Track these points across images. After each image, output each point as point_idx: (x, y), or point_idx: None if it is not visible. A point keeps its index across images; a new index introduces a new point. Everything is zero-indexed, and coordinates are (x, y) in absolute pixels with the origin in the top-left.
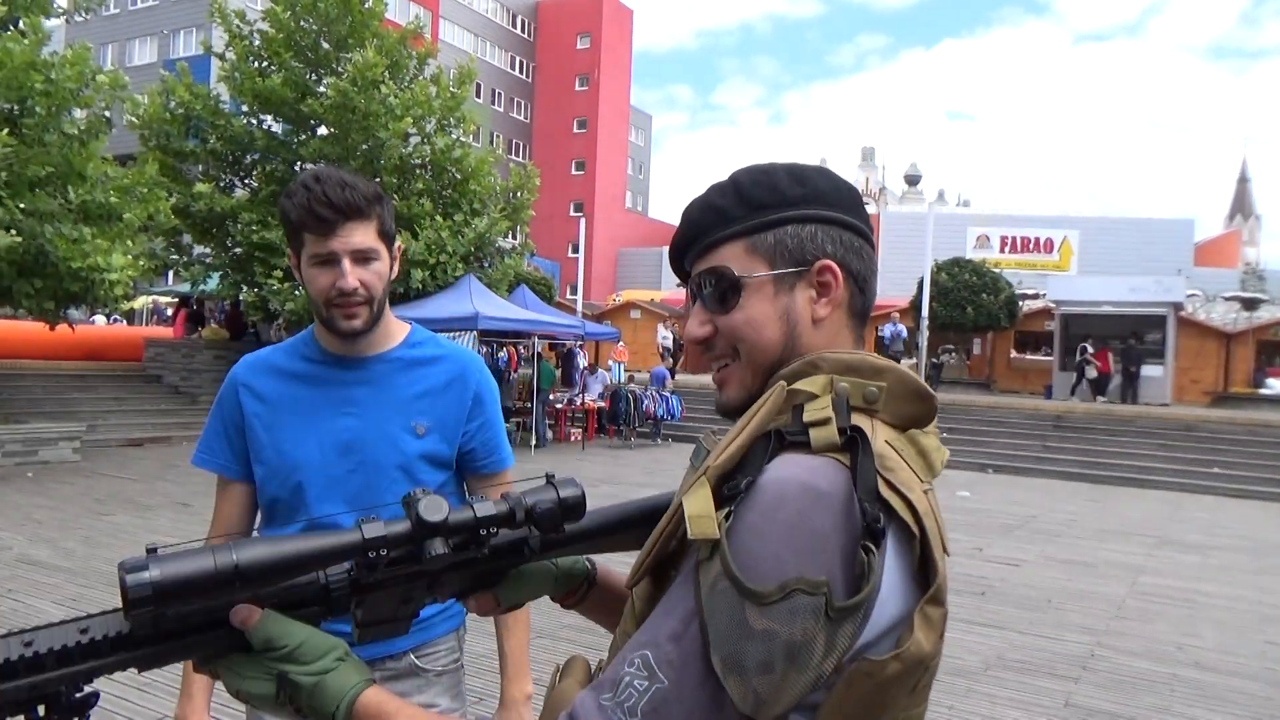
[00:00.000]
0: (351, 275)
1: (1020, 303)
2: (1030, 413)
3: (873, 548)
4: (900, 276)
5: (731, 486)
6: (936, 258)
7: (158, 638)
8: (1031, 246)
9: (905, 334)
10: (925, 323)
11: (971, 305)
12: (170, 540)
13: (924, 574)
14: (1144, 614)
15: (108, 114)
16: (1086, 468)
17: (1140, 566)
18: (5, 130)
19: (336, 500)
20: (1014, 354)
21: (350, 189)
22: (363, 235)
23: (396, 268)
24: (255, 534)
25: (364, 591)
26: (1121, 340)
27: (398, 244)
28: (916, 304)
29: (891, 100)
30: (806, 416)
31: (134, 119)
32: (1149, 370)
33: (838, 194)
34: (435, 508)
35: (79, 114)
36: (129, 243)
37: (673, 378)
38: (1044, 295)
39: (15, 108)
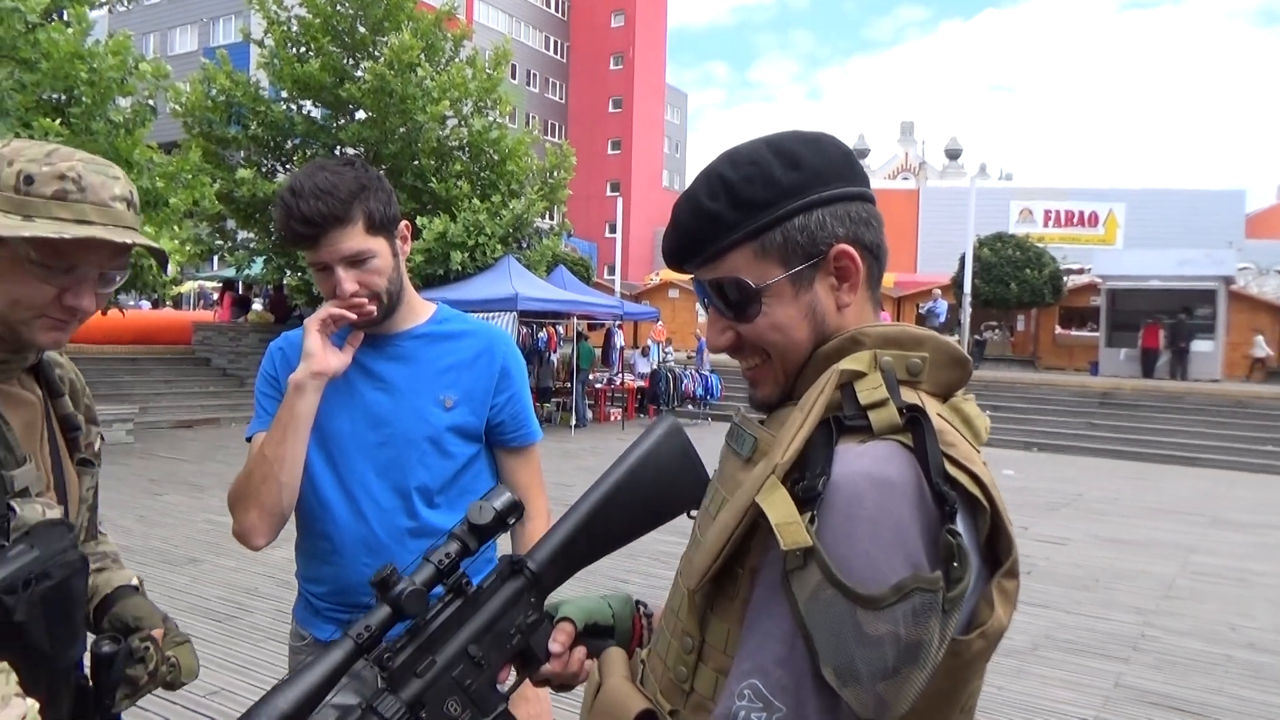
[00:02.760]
0: (347, 280)
1: (1065, 278)
2: (1076, 390)
3: (958, 531)
4: (941, 252)
5: (806, 488)
6: (979, 233)
7: None
8: (1076, 220)
9: (946, 310)
10: (968, 299)
11: (1015, 281)
12: (219, 518)
13: (992, 546)
14: (1195, 594)
15: (151, 102)
16: (1134, 445)
17: (1190, 545)
18: (57, 120)
19: (368, 471)
20: (1059, 330)
21: (326, 197)
22: (348, 240)
23: (407, 246)
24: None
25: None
26: (1170, 315)
27: (403, 225)
28: (958, 280)
29: (931, 73)
30: (862, 398)
31: (177, 107)
32: (1199, 346)
33: (832, 166)
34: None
35: (124, 102)
36: (175, 228)
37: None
38: (1089, 270)
39: (62, 96)
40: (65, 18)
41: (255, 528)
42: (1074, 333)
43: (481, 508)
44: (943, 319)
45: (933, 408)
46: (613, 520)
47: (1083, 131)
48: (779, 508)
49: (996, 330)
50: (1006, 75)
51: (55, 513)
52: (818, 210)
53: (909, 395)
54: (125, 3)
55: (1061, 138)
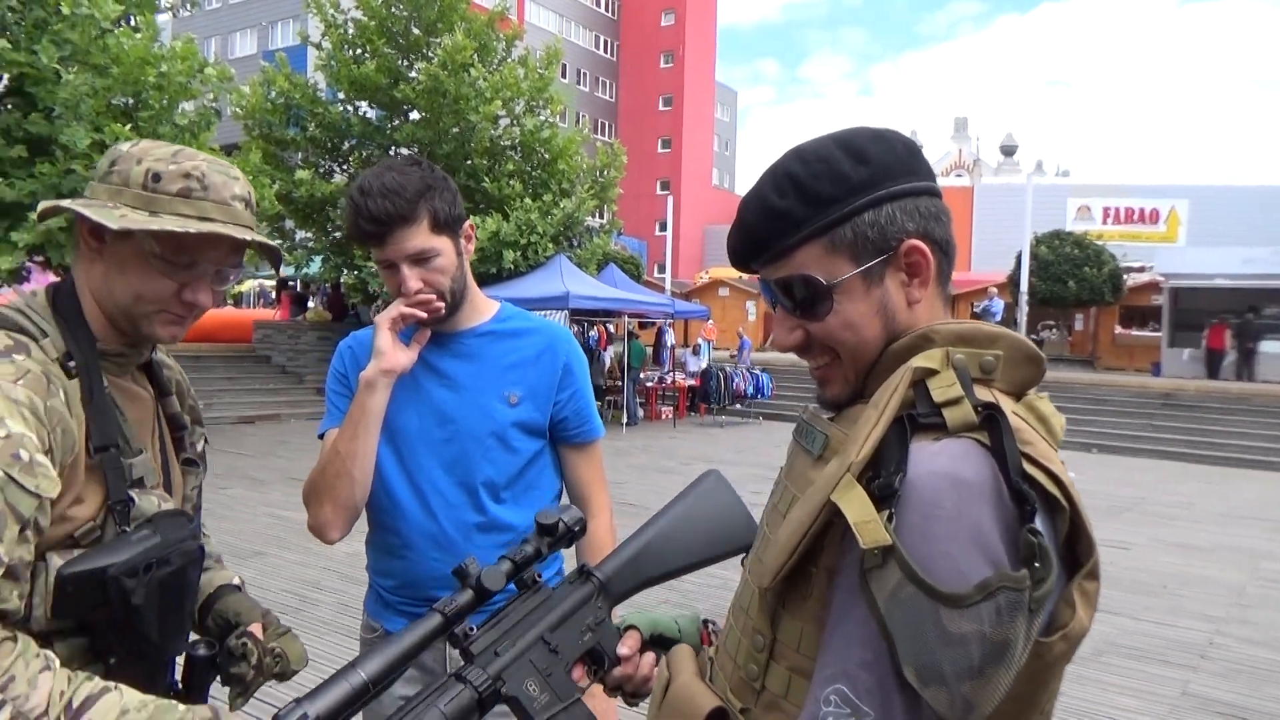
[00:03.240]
0: (412, 279)
1: (1125, 276)
2: (1137, 390)
3: (1039, 530)
4: (997, 250)
5: (882, 485)
6: (1036, 230)
7: None
8: (1136, 217)
9: (1002, 309)
10: (1024, 298)
11: (1073, 279)
12: (282, 512)
13: (1071, 548)
14: (1266, 601)
15: (216, 106)
16: (1198, 448)
17: (1262, 551)
18: (126, 124)
19: (436, 467)
20: (1119, 329)
21: (392, 196)
22: (413, 238)
23: (471, 245)
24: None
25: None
26: (1236, 314)
27: (467, 224)
28: (1014, 278)
29: (985, 69)
30: (936, 396)
31: (238, 109)
32: (1267, 346)
33: (900, 161)
34: (492, 574)
35: (188, 106)
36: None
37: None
38: (1151, 268)
39: (131, 101)
40: (133, 23)
41: (330, 522)
42: (1134, 332)
43: (553, 518)
44: (998, 318)
45: (1008, 406)
46: (675, 544)
47: (1143, 127)
48: (856, 506)
49: (1054, 329)
50: (1064, 70)
51: (170, 505)
52: (887, 205)
53: (983, 393)
54: (187, 7)
55: (1121, 134)
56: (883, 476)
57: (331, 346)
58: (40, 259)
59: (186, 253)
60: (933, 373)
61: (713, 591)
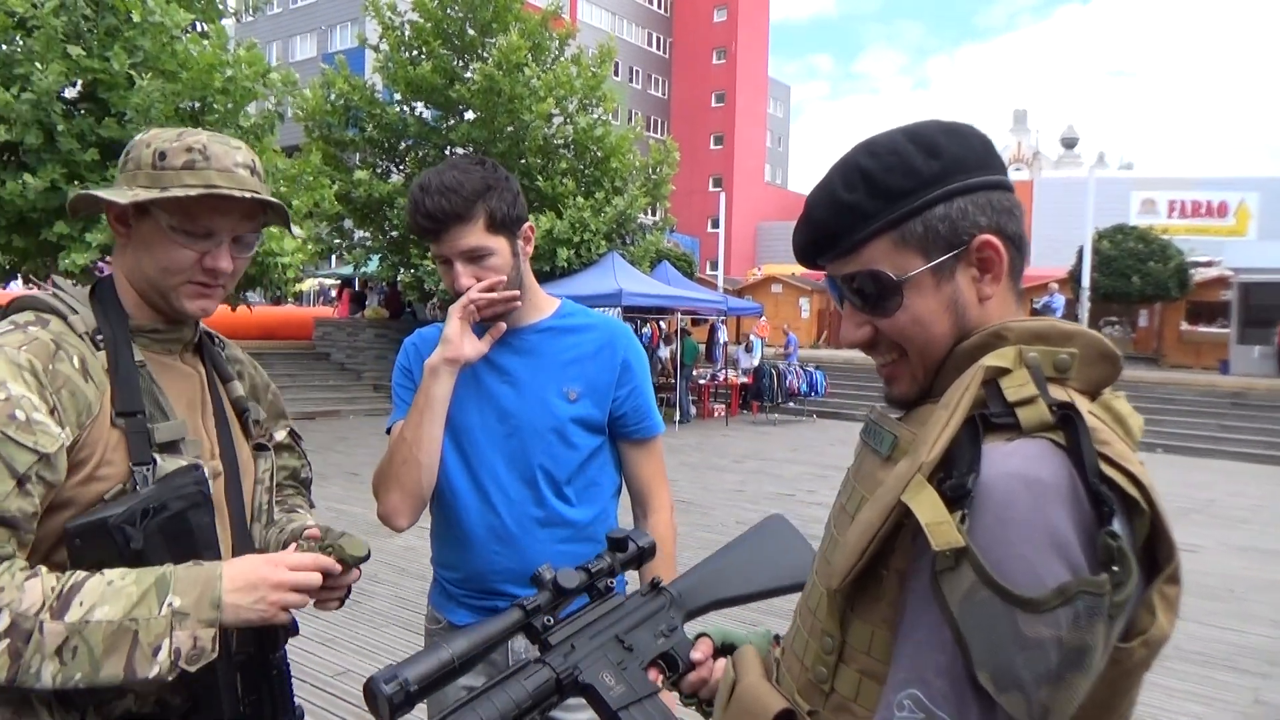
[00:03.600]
0: (465, 275)
1: (1192, 271)
2: (1204, 389)
3: (1118, 533)
4: (1057, 245)
5: (954, 486)
6: (1098, 225)
7: None
8: (1204, 210)
9: (1063, 306)
10: (1086, 293)
11: (1137, 274)
12: (341, 506)
13: (1150, 551)
14: None
15: (279, 109)
16: (1269, 449)
17: None
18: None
19: (497, 462)
20: (1185, 326)
21: (451, 194)
22: (468, 236)
23: (529, 246)
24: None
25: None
26: None
27: (526, 225)
28: (1076, 274)
29: (1045, 60)
30: (1009, 395)
31: (299, 111)
32: None
33: (973, 153)
34: (567, 575)
35: (251, 109)
36: (298, 228)
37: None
38: (1219, 262)
39: (197, 104)
40: (200, 29)
41: (398, 509)
42: (1201, 329)
43: (628, 537)
44: (1059, 314)
45: (1083, 405)
46: (743, 572)
47: (1210, 117)
48: (928, 507)
49: (1117, 326)
50: (1127, 59)
51: (185, 463)
52: (959, 199)
53: (1057, 392)
54: (250, 12)
55: (1187, 124)
56: (954, 477)
57: (388, 343)
58: (111, 259)
59: (197, 221)
60: (1005, 371)
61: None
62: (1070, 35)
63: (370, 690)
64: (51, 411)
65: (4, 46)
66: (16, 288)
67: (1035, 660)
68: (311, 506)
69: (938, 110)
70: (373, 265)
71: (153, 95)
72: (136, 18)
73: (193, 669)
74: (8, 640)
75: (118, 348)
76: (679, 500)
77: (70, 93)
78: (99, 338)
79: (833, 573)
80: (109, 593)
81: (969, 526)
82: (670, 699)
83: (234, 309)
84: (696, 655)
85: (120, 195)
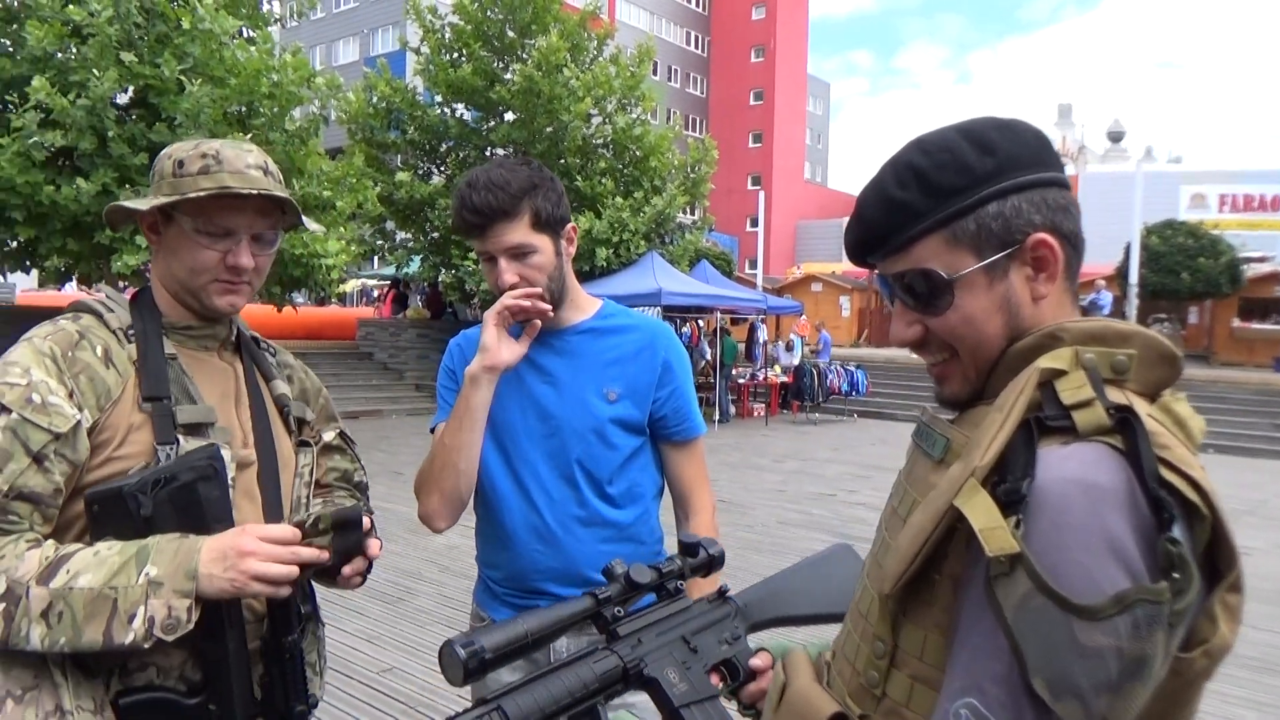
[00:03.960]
0: (508, 272)
1: (1244, 267)
2: (1257, 387)
3: (1178, 539)
4: (1103, 241)
5: (1009, 491)
6: (1146, 220)
7: None
8: (1256, 204)
9: (1111, 303)
10: (1134, 290)
11: (1187, 270)
12: (384, 505)
13: (1210, 558)
14: None
15: (324, 112)
16: None
17: None
18: (242, 132)
19: (539, 461)
20: (1237, 323)
21: (497, 191)
22: (512, 233)
23: (572, 247)
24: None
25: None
26: None
27: (569, 226)
28: (1123, 270)
29: (1090, 53)
30: (1065, 398)
31: (342, 115)
32: None
33: (1028, 151)
34: (639, 570)
35: (296, 113)
36: (341, 229)
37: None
38: (1272, 258)
39: (244, 109)
40: (247, 35)
41: (437, 512)
42: (1254, 325)
43: (699, 544)
44: (1107, 311)
45: (1142, 408)
46: (808, 593)
47: (1262, 109)
48: (981, 512)
49: (1166, 323)
50: (1175, 51)
51: (203, 444)
52: (1013, 197)
53: (1115, 395)
54: (294, 18)
55: (1238, 116)
56: (1008, 481)
57: (430, 343)
58: None
59: (215, 221)
60: (1061, 373)
61: None
62: (1116, 27)
63: (447, 653)
64: (69, 395)
65: (60, 55)
66: (71, 290)
67: (1093, 669)
68: (370, 512)
69: (980, 105)
70: (414, 266)
71: (202, 100)
72: (186, 25)
73: (169, 639)
74: (3, 605)
75: (147, 341)
76: (719, 499)
77: (122, 99)
78: (130, 332)
79: (885, 577)
80: (93, 562)
81: (1024, 532)
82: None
83: (280, 310)
84: (757, 662)
85: (144, 204)
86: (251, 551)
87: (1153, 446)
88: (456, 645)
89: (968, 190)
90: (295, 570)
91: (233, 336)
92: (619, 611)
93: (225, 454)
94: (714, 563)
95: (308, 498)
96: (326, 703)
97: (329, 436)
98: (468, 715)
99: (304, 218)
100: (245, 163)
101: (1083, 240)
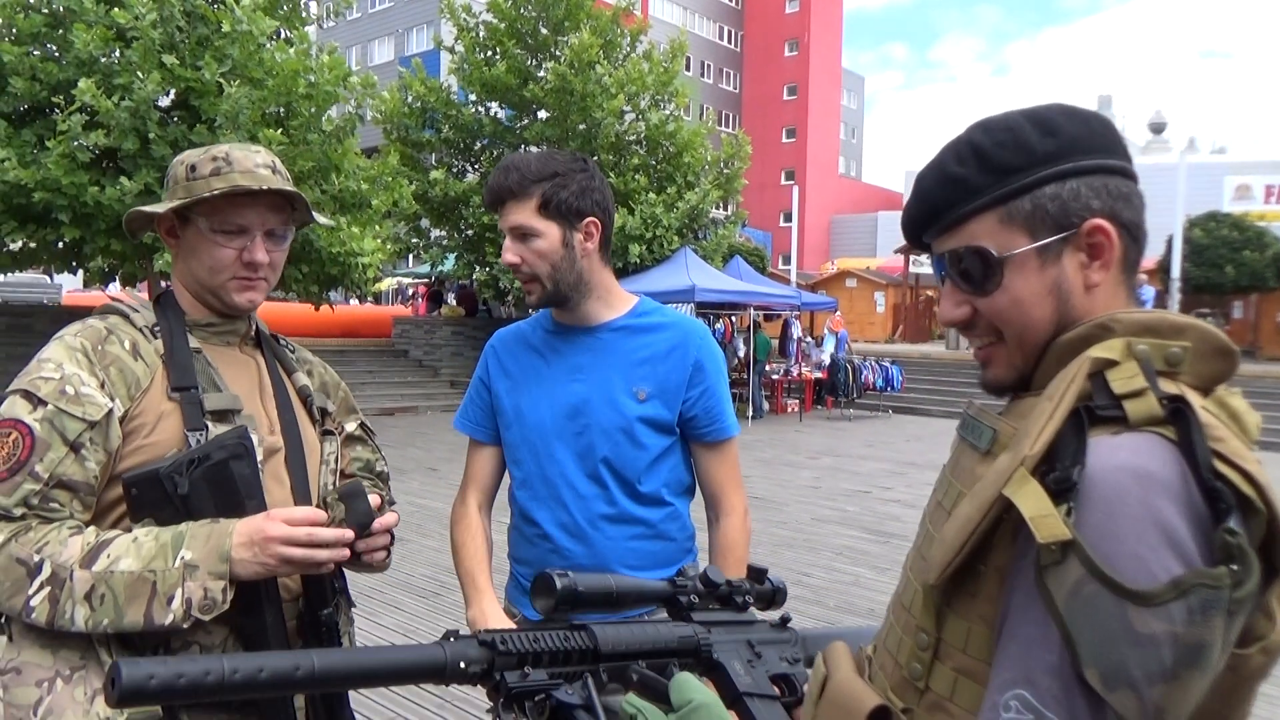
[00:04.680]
0: (511, 251)
1: None
2: None
3: (1237, 530)
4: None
5: (1059, 479)
6: (1189, 212)
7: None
8: None
9: (1154, 297)
10: (1177, 284)
11: (1231, 264)
12: (420, 500)
13: (1266, 553)
14: None
15: (360, 112)
16: None
17: None
18: (279, 131)
19: (568, 459)
20: None
21: (513, 172)
22: (517, 214)
23: (590, 244)
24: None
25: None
26: None
27: (588, 221)
28: (1165, 264)
29: (1132, 42)
30: (1116, 388)
31: (377, 114)
32: None
33: (1093, 136)
34: (714, 572)
35: (333, 113)
36: (377, 227)
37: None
38: None
39: (282, 110)
40: (284, 36)
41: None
42: None
43: (766, 571)
44: (1149, 306)
45: (1195, 400)
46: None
47: None
48: (1032, 500)
49: (1210, 318)
50: (1219, 40)
51: (230, 429)
52: (1073, 180)
53: (1168, 386)
54: (331, 18)
55: None
56: (1058, 470)
57: (464, 341)
58: None
59: (228, 219)
60: (1113, 364)
61: (843, 588)
62: (1157, 16)
63: (543, 580)
64: (101, 385)
65: (104, 59)
66: (115, 289)
67: (1148, 657)
68: (392, 503)
69: (1017, 97)
70: (449, 264)
71: (240, 102)
72: (226, 27)
73: (207, 619)
74: (49, 588)
75: (172, 336)
76: (754, 497)
77: (164, 101)
78: (155, 329)
79: (929, 568)
80: (133, 547)
81: (1075, 520)
82: None
83: (318, 309)
84: None
85: (161, 208)
86: (276, 537)
87: (1207, 438)
88: (554, 573)
89: (1026, 170)
90: (317, 553)
91: (252, 332)
92: (694, 600)
93: (253, 437)
94: (776, 596)
95: (334, 485)
96: (363, 695)
97: (351, 427)
98: (555, 630)
99: (314, 213)
100: (254, 162)
101: (1144, 232)
